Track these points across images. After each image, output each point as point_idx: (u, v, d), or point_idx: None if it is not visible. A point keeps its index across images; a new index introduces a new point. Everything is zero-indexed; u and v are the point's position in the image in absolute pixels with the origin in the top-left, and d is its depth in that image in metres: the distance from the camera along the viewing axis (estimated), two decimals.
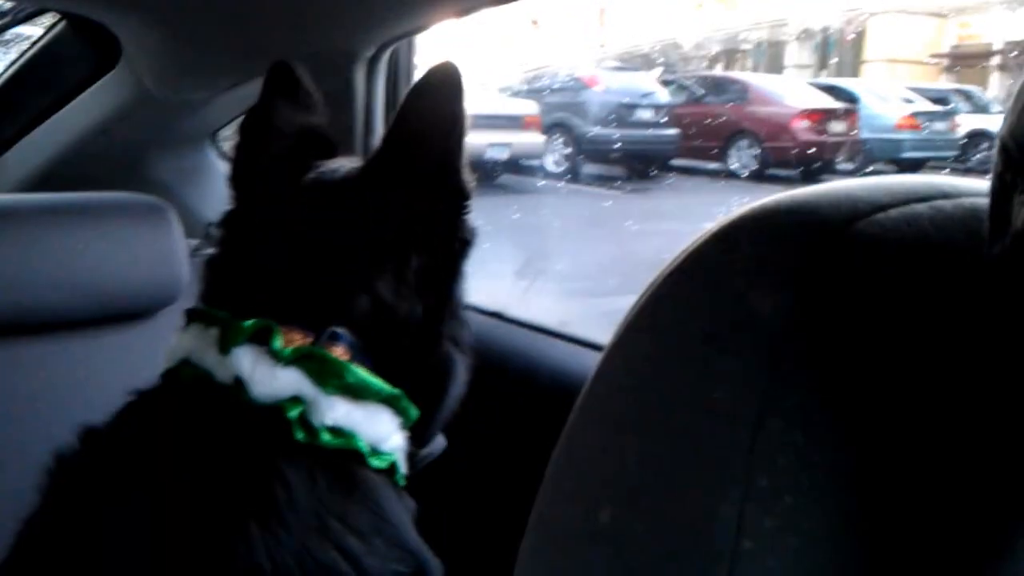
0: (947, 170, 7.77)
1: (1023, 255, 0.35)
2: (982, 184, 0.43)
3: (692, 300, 0.44)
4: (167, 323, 1.36)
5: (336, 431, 0.79)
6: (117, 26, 1.63)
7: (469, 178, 0.90)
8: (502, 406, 1.31)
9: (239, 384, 0.80)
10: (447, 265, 0.92)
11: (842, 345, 0.38)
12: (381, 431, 0.83)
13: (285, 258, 0.88)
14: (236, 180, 1.00)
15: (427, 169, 0.87)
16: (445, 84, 0.85)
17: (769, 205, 0.45)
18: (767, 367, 0.38)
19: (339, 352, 0.83)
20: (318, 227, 0.89)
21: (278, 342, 0.81)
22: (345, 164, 0.94)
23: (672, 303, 0.45)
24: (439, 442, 0.98)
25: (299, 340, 0.82)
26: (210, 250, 1.74)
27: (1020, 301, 0.36)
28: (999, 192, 0.38)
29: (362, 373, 0.82)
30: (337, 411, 0.80)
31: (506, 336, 1.52)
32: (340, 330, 0.84)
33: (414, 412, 0.86)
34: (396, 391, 0.84)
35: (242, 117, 1.04)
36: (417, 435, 0.89)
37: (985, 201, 0.40)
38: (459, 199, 0.90)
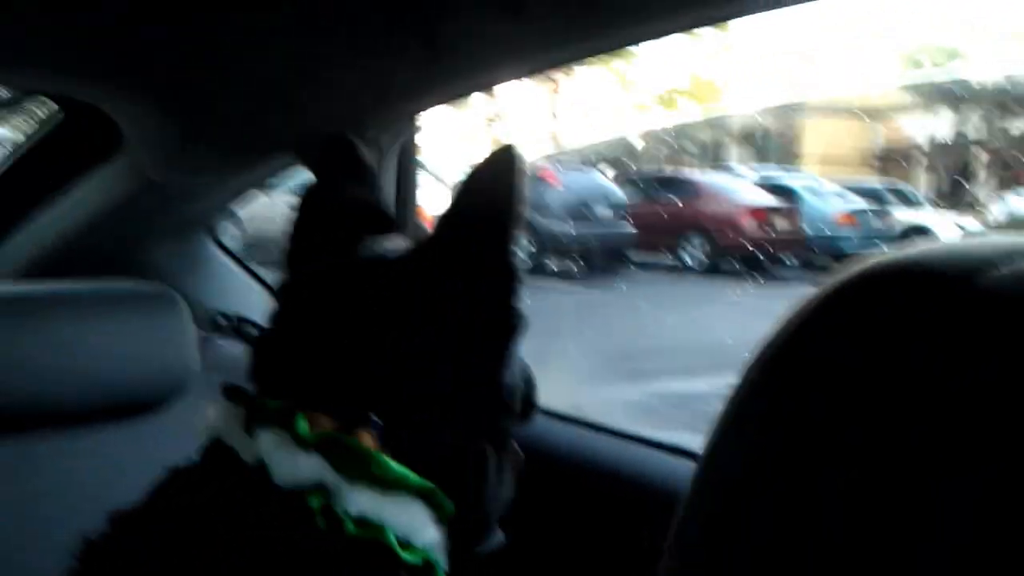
0: None
1: None
2: None
3: (798, 388, 0.39)
4: (178, 414, 1.33)
5: (362, 522, 0.75)
6: (117, 112, 1.59)
7: (519, 261, 0.86)
8: (560, 505, 1.24)
9: (263, 467, 0.76)
10: (493, 351, 0.87)
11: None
12: (412, 524, 0.78)
13: (321, 339, 0.85)
14: (291, 256, 0.96)
15: (479, 251, 0.84)
16: (505, 167, 0.82)
17: (879, 267, 0.41)
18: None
19: (367, 440, 0.78)
20: (355, 309, 0.86)
21: (302, 426, 0.77)
22: (397, 243, 0.90)
23: (771, 399, 0.40)
24: (496, 537, 0.92)
25: (327, 425, 0.78)
26: (219, 340, 1.69)
27: None
28: None
29: (390, 463, 0.77)
30: (362, 501, 0.75)
31: (560, 434, 1.45)
32: (371, 416, 0.79)
33: (450, 506, 0.80)
34: (428, 484, 0.79)
35: (302, 196, 1.00)
36: (459, 532, 0.83)
37: None
38: (509, 282, 0.86)
